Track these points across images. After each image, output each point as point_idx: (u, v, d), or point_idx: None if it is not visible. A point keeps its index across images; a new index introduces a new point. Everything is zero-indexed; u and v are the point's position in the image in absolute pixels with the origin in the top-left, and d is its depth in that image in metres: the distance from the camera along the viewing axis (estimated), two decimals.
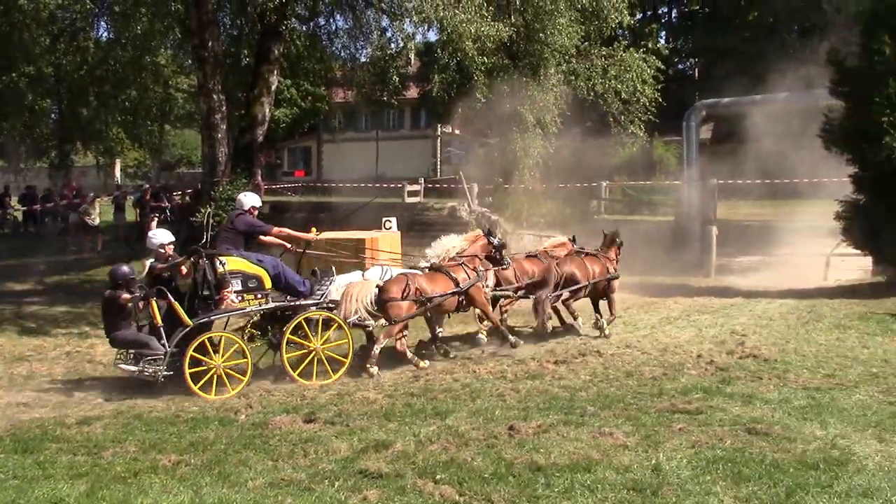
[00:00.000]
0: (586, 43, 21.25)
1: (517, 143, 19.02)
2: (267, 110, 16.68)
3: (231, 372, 7.91)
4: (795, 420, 6.19)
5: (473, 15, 14.98)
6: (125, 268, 8.47)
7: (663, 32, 44.73)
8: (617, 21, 20.04)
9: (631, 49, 22.62)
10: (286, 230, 9.03)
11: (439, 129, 41.19)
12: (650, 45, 23.00)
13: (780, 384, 7.39)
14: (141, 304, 8.23)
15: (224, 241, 8.60)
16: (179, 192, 24.94)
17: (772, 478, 4.92)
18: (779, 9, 38.50)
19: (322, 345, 8.27)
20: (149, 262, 8.59)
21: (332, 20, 19.77)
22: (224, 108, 15.79)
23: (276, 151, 43.28)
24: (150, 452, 5.76)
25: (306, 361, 8.22)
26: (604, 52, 21.75)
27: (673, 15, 46.53)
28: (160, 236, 8.69)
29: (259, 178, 16.73)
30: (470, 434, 5.87)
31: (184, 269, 8.41)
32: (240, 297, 8.23)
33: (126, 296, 8.15)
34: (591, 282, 10.42)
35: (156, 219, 19.81)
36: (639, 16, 38.81)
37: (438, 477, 5.02)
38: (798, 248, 20.72)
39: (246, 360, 7.98)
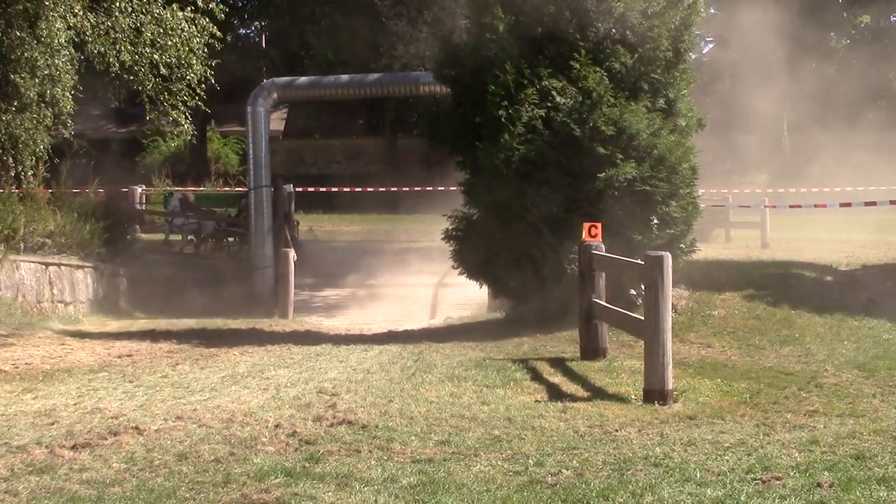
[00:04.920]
0: None
1: (16, 126, 18.05)
2: None
3: None
4: None
5: None
6: None
7: None
8: None
9: (175, 5, 22.55)
10: None
11: None
12: (201, 3, 23.11)
13: (384, 458, 7.73)
14: None
15: None
16: None
17: None
18: None
19: None
20: None
21: None
22: None
23: None
24: None
25: None
26: (133, 7, 21.43)
27: None
28: None
29: None
30: None
31: None
32: None
33: None
34: None
35: None
36: None
37: None
38: (400, 277, 22.16)
39: None
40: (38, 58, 18.40)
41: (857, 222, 28.85)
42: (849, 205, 25.36)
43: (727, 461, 7.43)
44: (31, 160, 20.22)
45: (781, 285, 16.71)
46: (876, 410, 9.53)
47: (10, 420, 9.19)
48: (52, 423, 9.08)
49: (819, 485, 6.66)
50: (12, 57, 18.35)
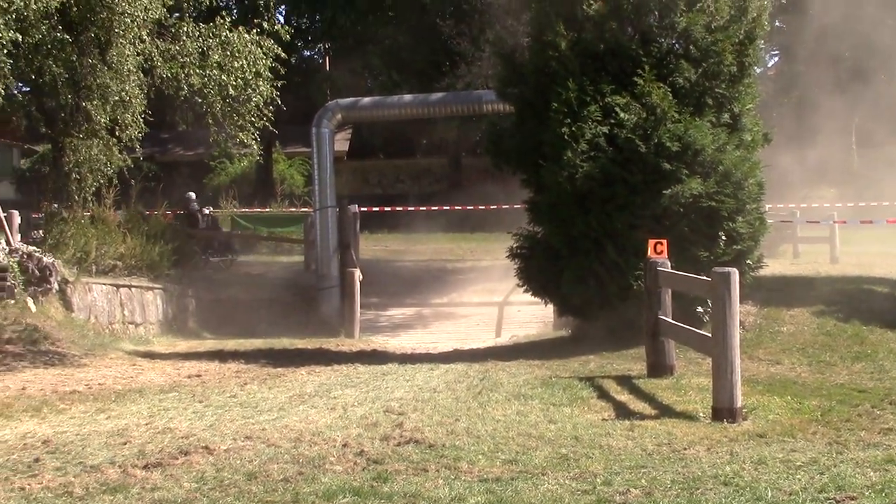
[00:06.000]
0: (176, 15, 21.14)
1: (83, 151, 18.35)
2: None
3: None
4: None
5: None
6: None
7: (282, 8, 45.54)
8: None
9: (241, 28, 22.82)
10: None
11: None
12: (266, 25, 23.38)
13: (452, 477, 7.72)
14: None
15: None
16: None
17: None
18: None
19: None
20: None
21: None
22: None
23: None
24: None
25: None
26: (201, 30, 21.73)
27: None
28: None
29: None
30: None
31: None
32: None
33: None
34: None
35: None
36: None
37: None
38: (465, 295, 22.15)
39: None
40: (110, 84, 18.72)
41: None
42: None
43: (799, 480, 7.32)
44: (97, 184, 20.56)
45: (852, 301, 16.46)
46: None
47: (85, 440, 9.34)
48: (125, 443, 9.21)
49: None
50: (84, 84, 18.72)
